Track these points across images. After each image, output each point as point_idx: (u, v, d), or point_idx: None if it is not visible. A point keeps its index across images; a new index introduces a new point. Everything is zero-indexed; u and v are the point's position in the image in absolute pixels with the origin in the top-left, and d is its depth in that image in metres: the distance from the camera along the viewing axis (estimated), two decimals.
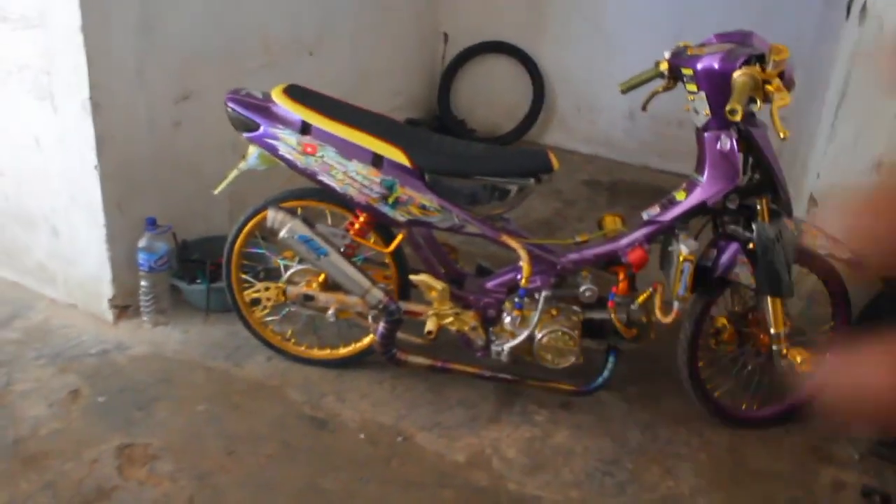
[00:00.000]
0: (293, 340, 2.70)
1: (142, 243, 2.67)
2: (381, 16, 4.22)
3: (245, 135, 2.32)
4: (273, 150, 2.30)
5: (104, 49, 2.46)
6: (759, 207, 2.27)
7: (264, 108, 2.31)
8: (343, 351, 2.67)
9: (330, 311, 2.49)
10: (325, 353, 2.68)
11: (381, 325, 2.42)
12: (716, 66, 2.14)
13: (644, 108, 2.56)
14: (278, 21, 3.33)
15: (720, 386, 2.57)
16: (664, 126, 4.56)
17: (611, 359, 2.51)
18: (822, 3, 3.91)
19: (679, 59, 2.30)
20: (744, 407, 2.59)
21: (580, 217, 4.02)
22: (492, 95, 5.05)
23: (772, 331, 2.35)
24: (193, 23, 2.83)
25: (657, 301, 2.37)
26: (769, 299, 2.33)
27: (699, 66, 2.18)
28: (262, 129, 2.28)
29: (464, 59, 4.97)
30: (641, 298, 2.41)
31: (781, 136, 1.99)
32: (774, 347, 2.37)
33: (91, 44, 2.40)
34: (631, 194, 4.35)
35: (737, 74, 2.06)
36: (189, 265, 2.90)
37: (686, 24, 4.22)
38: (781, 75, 2.08)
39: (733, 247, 2.33)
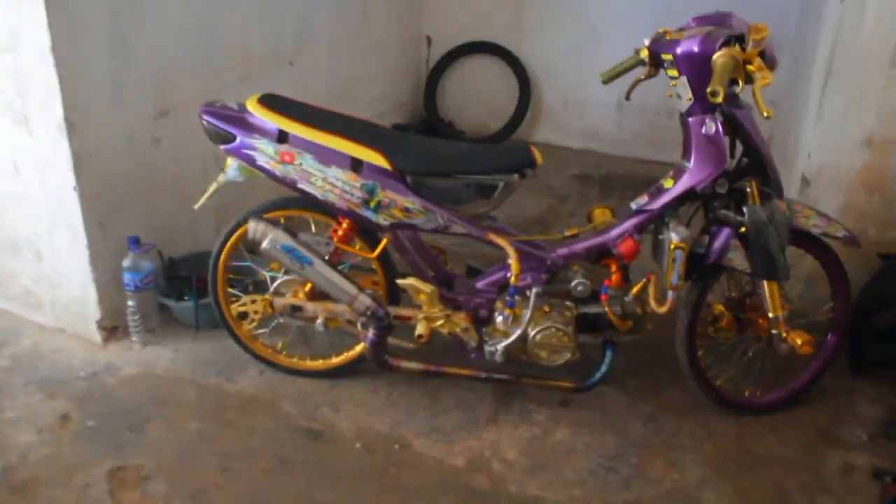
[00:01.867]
0: (284, 352, 2.66)
1: (126, 263, 2.64)
2: (361, 22, 4.19)
3: (222, 147, 2.28)
4: (251, 161, 2.26)
5: (77, 68, 2.42)
6: (748, 190, 2.23)
7: (240, 119, 2.27)
8: (335, 360, 2.63)
9: (319, 321, 2.44)
10: (318, 363, 2.64)
11: (371, 332, 2.38)
12: (695, 49, 2.10)
13: (628, 97, 2.52)
14: (256, 32, 3.30)
15: (722, 374, 2.53)
16: (653, 116, 4.54)
17: (608, 353, 2.47)
18: None
19: (659, 45, 2.26)
20: (747, 394, 2.54)
21: (573, 212, 3.98)
22: (478, 96, 5.03)
23: (770, 315, 2.32)
24: (168, 37, 2.79)
25: (651, 291, 2.32)
26: (765, 283, 2.29)
27: (679, 50, 2.14)
28: (238, 140, 2.24)
29: (448, 61, 4.96)
30: (635, 290, 2.37)
31: (765, 115, 1.95)
32: (774, 331, 2.33)
33: (63, 64, 2.36)
34: (623, 187, 4.32)
35: (716, 56, 2.02)
36: (177, 282, 2.86)
37: (669, 12, 4.16)
38: (762, 54, 2.04)
39: (725, 232, 2.28)
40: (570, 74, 4.75)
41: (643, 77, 2.43)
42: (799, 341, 2.29)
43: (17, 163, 2.60)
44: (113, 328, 2.78)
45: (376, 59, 4.45)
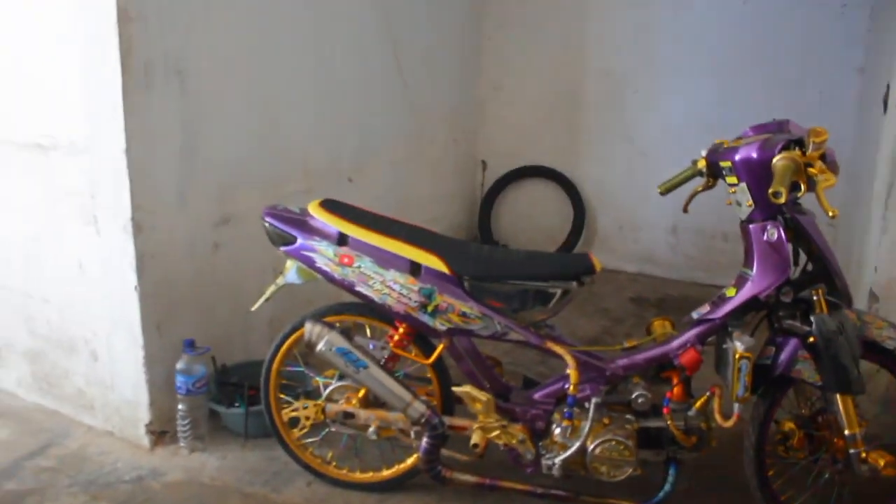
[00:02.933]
0: (334, 463, 2.58)
1: (180, 365, 2.63)
2: (419, 144, 4.32)
3: (282, 248, 2.31)
4: (310, 263, 2.28)
5: (147, 172, 2.53)
6: (815, 298, 2.16)
7: (301, 222, 2.32)
8: (386, 473, 2.54)
9: (371, 429, 2.38)
10: (368, 475, 2.55)
11: (425, 441, 2.31)
12: (754, 155, 2.10)
13: (685, 209, 2.51)
14: (318, 147, 3.42)
15: (795, 499, 2.36)
16: (709, 240, 4.51)
17: (671, 471, 2.34)
18: (857, 106, 3.91)
19: (717, 155, 2.27)
20: None
21: (628, 334, 3.89)
22: (532, 219, 5.08)
23: (846, 432, 2.17)
24: (234, 148, 2.91)
25: (716, 405, 2.21)
26: (839, 398, 2.17)
27: (737, 157, 2.14)
28: (298, 241, 2.28)
29: (503, 184, 5.05)
30: (699, 403, 2.27)
31: (830, 214, 1.91)
32: (852, 451, 2.17)
33: (134, 167, 2.47)
34: (679, 310, 4.21)
35: (777, 159, 2.01)
36: (228, 389, 2.84)
37: (719, 136, 4.24)
38: (823, 158, 2.02)
39: (792, 342, 2.19)
40: (625, 198, 4.79)
41: (701, 189, 2.42)
42: (882, 462, 2.14)
43: (82, 262, 2.67)
44: (161, 433, 2.74)
45: (433, 180, 4.55)
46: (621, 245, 4.87)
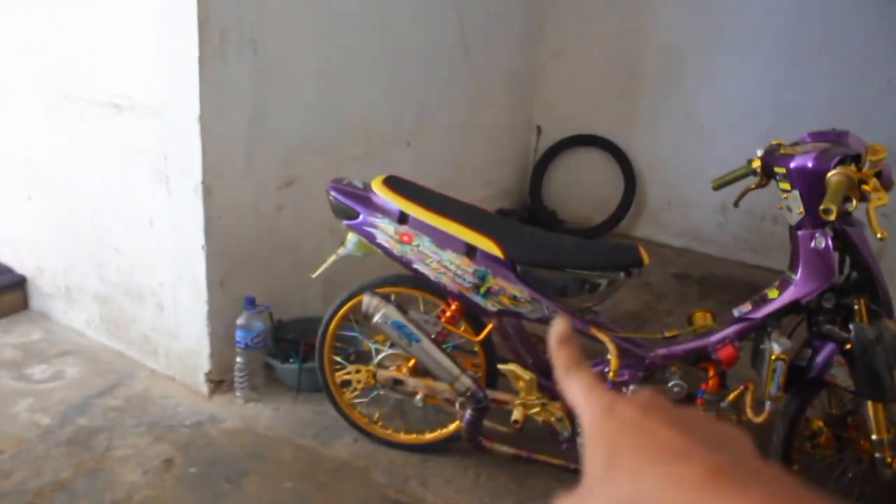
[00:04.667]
0: (380, 423, 2.73)
1: (240, 321, 2.79)
2: (476, 109, 4.37)
3: (345, 222, 2.42)
4: (371, 238, 2.39)
5: (218, 137, 2.65)
6: (856, 307, 2.22)
7: (364, 198, 2.42)
8: (429, 436, 2.69)
9: (418, 396, 2.52)
10: (411, 437, 2.71)
11: (468, 412, 2.44)
12: (810, 165, 2.14)
13: (737, 204, 2.57)
14: (380, 113, 3.51)
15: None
16: (758, 221, 4.52)
17: None
18: None
19: (772, 158, 2.30)
20: None
21: (669, 311, 3.98)
22: (583, 187, 5.12)
23: (873, 437, 2.25)
24: (301, 115, 3.01)
25: (748, 400, 2.31)
26: (870, 404, 2.25)
27: (793, 165, 2.18)
28: (361, 217, 2.39)
29: (556, 151, 5.08)
30: (732, 397, 2.36)
31: (878, 235, 1.96)
32: (877, 455, 2.26)
33: (207, 132, 2.59)
34: (723, 289, 4.29)
35: (831, 174, 2.05)
36: (283, 344, 3.00)
37: (780, 119, 4.24)
38: (879, 175, 2.06)
39: (829, 347, 2.26)
40: (677, 173, 4.79)
41: (753, 186, 2.47)
42: None
43: (153, 218, 2.83)
44: (219, 382, 2.93)
45: (488, 145, 4.61)
46: (669, 219, 4.90)
